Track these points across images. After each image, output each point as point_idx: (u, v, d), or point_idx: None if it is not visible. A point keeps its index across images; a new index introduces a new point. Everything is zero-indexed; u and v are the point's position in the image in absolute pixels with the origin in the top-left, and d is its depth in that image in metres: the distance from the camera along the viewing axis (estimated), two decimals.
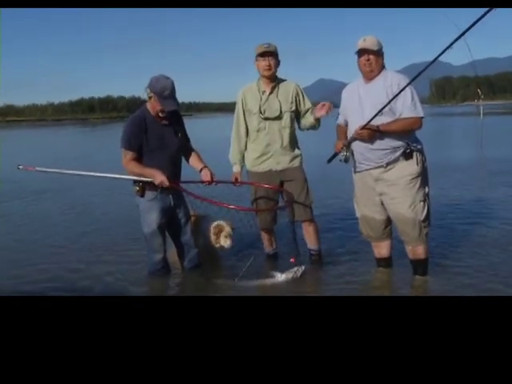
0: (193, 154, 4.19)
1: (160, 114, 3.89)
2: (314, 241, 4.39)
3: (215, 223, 4.33)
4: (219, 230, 4.30)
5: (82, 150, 21.36)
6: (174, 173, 3.99)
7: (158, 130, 3.92)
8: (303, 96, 4.26)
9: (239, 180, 4.33)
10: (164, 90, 3.78)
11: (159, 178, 3.82)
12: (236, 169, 4.35)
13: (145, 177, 3.90)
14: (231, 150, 4.37)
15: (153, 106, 3.88)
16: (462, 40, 3.12)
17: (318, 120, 4.21)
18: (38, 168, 4.25)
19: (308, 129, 4.34)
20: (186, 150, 4.16)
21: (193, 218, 4.35)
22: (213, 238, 4.31)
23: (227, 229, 4.29)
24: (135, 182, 3.96)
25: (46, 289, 3.97)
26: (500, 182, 8.45)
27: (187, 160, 4.18)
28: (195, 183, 4.17)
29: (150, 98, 3.85)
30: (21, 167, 4.20)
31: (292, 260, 4.10)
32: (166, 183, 3.83)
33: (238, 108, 4.30)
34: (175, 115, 4.05)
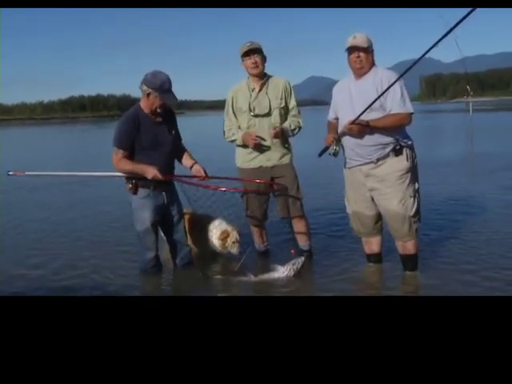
0: (184, 152, 4.18)
1: (158, 110, 3.87)
2: (304, 237, 4.42)
3: (222, 229, 4.26)
4: (226, 236, 4.25)
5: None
6: (167, 170, 3.98)
7: (152, 128, 3.91)
8: (291, 93, 4.28)
9: (255, 135, 4.14)
10: (164, 84, 3.78)
11: (151, 172, 3.81)
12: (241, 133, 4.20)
13: (136, 173, 3.89)
14: (227, 135, 4.31)
15: (151, 103, 3.84)
16: (452, 38, 3.15)
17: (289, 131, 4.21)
18: (27, 172, 4.28)
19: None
20: (177, 148, 4.15)
21: (186, 216, 4.35)
22: (219, 243, 4.26)
23: (234, 234, 4.24)
24: (128, 179, 3.95)
25: (42, 289, 3.95)
26: (489, 176, 8.55)
27: (178, 159, 4.18)
28: (188, 178, 4.16)
29: (148, 94, 3.80)
30: (11, 173, 4.21)
31: (292, 251, 4.13)
32: (159, 176, 3.82)
33: (228, 107, 4.32)
34: (169, 113, 4.05)
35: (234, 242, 4.24)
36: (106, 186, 7.83)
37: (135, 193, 3.95)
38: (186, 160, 4.15)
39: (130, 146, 3.87)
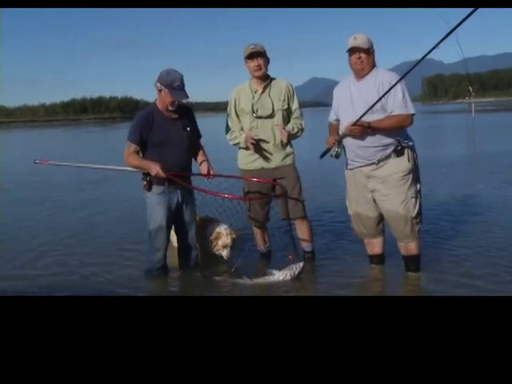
0: (199, 150, 4.21)
1: (170, 107, 3.92)
2: (306, 238, 4.41)
3: (218, 230, 4.29)
4: (217, 237, 4.28)
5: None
6: (182, 168, 4.01)
7: (165, 126, 3.95)
8: (293, 95, 4.29)
9: (253, 136, 4.15)
10: (174, 82, 3.84)
11: (154, 169, 3.83)
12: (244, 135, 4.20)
13: (143, 169, 3.93)
14: (230, 138, 4.32)
15: (162, 100, 3.92)
16: (453, 39, 3.15)
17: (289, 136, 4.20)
18: (51, 162, 4.78)
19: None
20: (194, 146, 4.15)
21: (197, 218, 4.36)
22: (213, 243, 4.31)
23: (225, 239, 4.25)
24: (143, 176, 3.98)
25: (42, 289, 3.96)
26: (492, 176, 8.55)
27: (194, 156, 4.21)
28: (193, 176, 4.18)
29: (159, 91, 3.89)
30: (37, 161, 4.69)
31: (290, 257, 4.11)
32: (162, 174, 3.83)
33: (231, 108, 4.33)
34: (186, 110, 4.09)
35: (223, 246, 4.26)
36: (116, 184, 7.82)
37: (149, 189, 3.98)
38: (199, 157, 4.20)
39: (142, 141, 3.92)
